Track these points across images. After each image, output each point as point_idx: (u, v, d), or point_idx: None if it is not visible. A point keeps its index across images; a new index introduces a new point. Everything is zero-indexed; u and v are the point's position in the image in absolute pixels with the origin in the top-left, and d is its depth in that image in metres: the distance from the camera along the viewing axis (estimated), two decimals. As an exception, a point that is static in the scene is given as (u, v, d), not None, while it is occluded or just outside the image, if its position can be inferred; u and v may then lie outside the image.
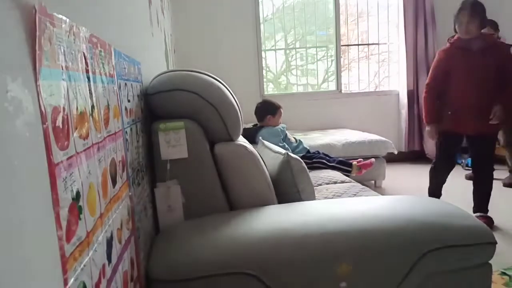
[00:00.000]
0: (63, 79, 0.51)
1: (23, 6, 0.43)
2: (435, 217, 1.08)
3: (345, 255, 0.99)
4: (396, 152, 3.41)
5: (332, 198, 1.74)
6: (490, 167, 2.31)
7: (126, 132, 0.89)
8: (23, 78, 0.42)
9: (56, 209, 0.46)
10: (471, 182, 2.40)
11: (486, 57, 2.18)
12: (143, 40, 1.42)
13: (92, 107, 0.62)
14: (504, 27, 3.21)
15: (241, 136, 1.36)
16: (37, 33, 0.45)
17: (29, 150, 0.42)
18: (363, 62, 4.52)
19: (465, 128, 2.27)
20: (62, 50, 0.52)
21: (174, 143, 1.15)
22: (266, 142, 1.63)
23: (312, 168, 2.37)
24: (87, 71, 0.61)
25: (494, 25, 3.08)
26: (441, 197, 2.50)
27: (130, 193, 0.87)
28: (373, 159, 2.63)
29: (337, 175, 2.23)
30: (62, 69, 0.51)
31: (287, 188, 1.33)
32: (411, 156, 4.17)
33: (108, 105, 0.73)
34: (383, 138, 3.34)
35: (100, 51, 0.70)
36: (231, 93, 1.28)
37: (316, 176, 2.16)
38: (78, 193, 0.53)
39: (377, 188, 3.25)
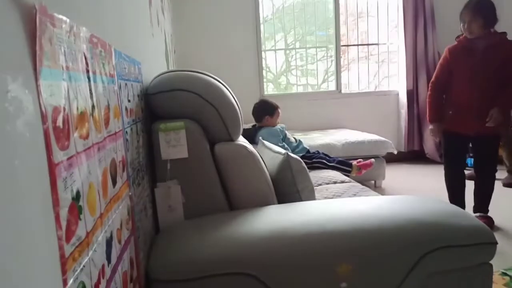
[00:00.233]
0: (63, 79, 0.51)
1: (23, 6, 0.43)
2: (435, 217, 1.08)
3: (345, 255, 0.99)
4: (395, 152, 3.41)
5: (332, 198, 1.74)
6: (491, 167, 2.30)
7: (126, 132, 0.89)
8: (23, 78, 0.42)
9: (56, 209, 0.46)
10: (472, 181, 2.39)
11: (490, 57, 2.15)
12: (144, 40, 1.42)
13: (93, 107, 0.62)
14: (503, 27, 3.19)
15: (241, 136, 1.37)
16: (38, 33, 0.45)
17: (30, 150, 0.42)
18: (363, 62, 4.52)
19: (466, 129, 2.25)
20: (63, 50, 0.52)
21: (174, 143, 1.15)
22: (266, 142, 1.63)
23: (312, 168, 2.37)
24: (87, 71, 0.61)
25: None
26: (441, 197, 2.49)
27: (130, 193, 0.87)
28: (372, 159, 2.63)
29: (337, 175, 2.23)
30: (63, 69, 0.51)
31: (287, 188, 1.33)
32: (411, 156, 4.17)
33: (109, 105, 0.73)
34: (383, 138, 3.34)
35: (101, 51, 0.70)
36: (231, 93, 1.28)
37: (316, 176, 2.16)
38: (78, 193, 0.53)
39: (377, 188, 3.25)
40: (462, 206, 2.33)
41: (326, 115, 4.16)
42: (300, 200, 1.31)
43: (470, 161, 3.19)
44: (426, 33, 4.06)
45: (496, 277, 1.70)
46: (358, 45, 4.45)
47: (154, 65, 1.71)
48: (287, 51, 4.95)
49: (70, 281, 0.48)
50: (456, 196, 2.37)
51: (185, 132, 1.16)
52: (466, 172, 2.44)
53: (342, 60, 4.33)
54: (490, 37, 2.18)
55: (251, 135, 2.36)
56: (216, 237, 1.01)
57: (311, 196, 1.36)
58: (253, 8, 4.01)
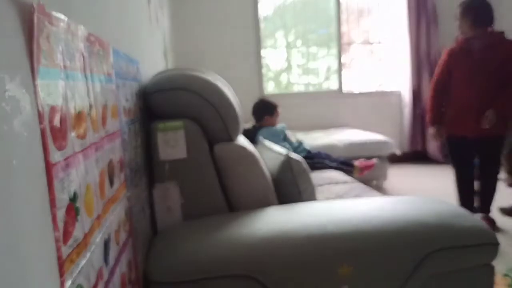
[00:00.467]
0: (61, 79, 0.51)
1: (21, 5, 0.43)
2: (437, 218, 1.07)
3: (347, 256, 0.98)
4: (398, 153, 3.40)
5: (333, 198, 1.73)
6: (494, 167, 2.28)
7: (124, 132, 0.88)
8: (21, 78, 0.42)
9: (53, 210, 0.46)
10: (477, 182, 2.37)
11: (488, 57, 2.13)
12: (142, 39, 1.42)
13: (90, 106, 0.62)
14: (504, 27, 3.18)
15: (241, 136, 1.36)
16: (35, 32, 0.44)
17: (27, 150, 0.42)
18: (365, 61, 4.51)
19: (465, 130, 2.23)
20: (60, 49, 0.51)
21: (173, 143, 1.14)
22: (266, 142, 1.63)
23: (313, 168, 2.36)
24: (85, 70, 0.61)
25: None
26: (444, 197, 2.47)
27: (128, 194, 0.86)
28: (375, 160, 2.62)
29: (339, 175, 2.22)
30: (60, 68, 0.51)
31: (288, 188, 1.32)
32: (414, 156, 4.15)
33: (106, 104, 0.72)
34: (385, 138, 3.33)
35: (98, 50, 0.69)
36: (231, 93, 1.28)
37: (318, 176, 2.15)
38: (75, 194, 0.52)
39: (379, 189, 3.24)
40: (472, 209, 2.29)
41: (328, 115, 4.15)
42: (302, 201, 1.30)
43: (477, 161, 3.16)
44: (428, 31, 4.05)
45: (498, 278, 1.69)
46: (360, 43, 4.44)
47: (153, 64, 1.70)
48: (288, 49, 4.93)
49: (68, 283, 0.48)
50: (466, 199, 2.33)
51: (183, 132, 1.15)
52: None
53: (343, 58, 4.32)
54: (487, 37, 2.15)
55: (251, 135, 2.35)
56: (215, 239, 1.01)
57: (312, 197, 1.35)
58: (252, 5, 4.00)
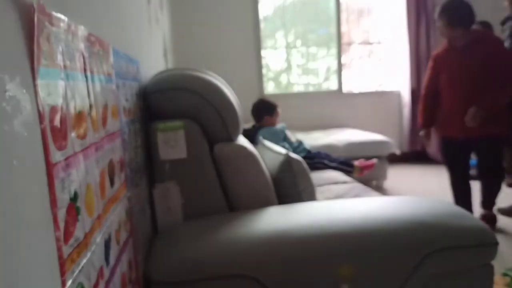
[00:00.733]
0: (61, 79, 0.51)
1: (21, 5, 0.43)
2: (437, 218, 1.07)
3: (347, 256, 0.98)
4: (398, 153, 3.40)
5: (333, 198, 1.73)
6: (496, 167, 2.26)
7: (124, 132, 0.89)
8: (21, 78, 0.42)
9: (54, 209, 0.46)
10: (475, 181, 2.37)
11: (469, 55, 2.09)
12: (142, 39, 1.42)
13: (90, 106, 0.62)
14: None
15: (241, 136, 1.36)
16: (36, 32, 0.44)
17: (27, 150, 0.42)
18: (365, 61, 4.51)
19: (455, 131, 2.20)
20: (60, 49, 0.51)
21: (173, 143, 1.14)
22: (266, 142, 1.63)
23: (313, 168, 2.36)
24: (85, 70, 0.61)
25: (486, 26, 2.99)
26: (444, 197, 2.48)
27: (128, 194, 0.87)
28: (374, 160, 2.62)
29: (338, 175, 2.22)
30: (60, 68, 0.51)
31: (288, 188, 1.33)
32: (413, 156, 4.16)
33: (106, 104, 0.72)
34: (385, 138, 3.33)
35: (99, 50, 0.69)
36: (231, 93, 1.28)
37: (318, 176, 2.15)
38: (76, 193, 0.53)
39: (379, 189, 3.24)
40: (469, 211, 2.26)
41: (328, 115, 4.15)
42: (301, 201, 1.30)
43: (473, 161, 3.16)
44: (428, 32, 4.06)
45: (497, 277, 1.69)
46: (360, 43, 4.44)
47: (153, 64, 1.71)
48: (288, 49, 4.94)
49: (69, 282, 0.48)
50: (461, 201, 2.32)
51: (184, 132, 1.15)
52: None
53: (343, 58, 4.32)
54: (466, 36, 2.11)
55: (251, 135, 2.35)
56: (215, 239, 1.01)
57: (312, 197, 1.35)
58: (252, 6, 4.00)
